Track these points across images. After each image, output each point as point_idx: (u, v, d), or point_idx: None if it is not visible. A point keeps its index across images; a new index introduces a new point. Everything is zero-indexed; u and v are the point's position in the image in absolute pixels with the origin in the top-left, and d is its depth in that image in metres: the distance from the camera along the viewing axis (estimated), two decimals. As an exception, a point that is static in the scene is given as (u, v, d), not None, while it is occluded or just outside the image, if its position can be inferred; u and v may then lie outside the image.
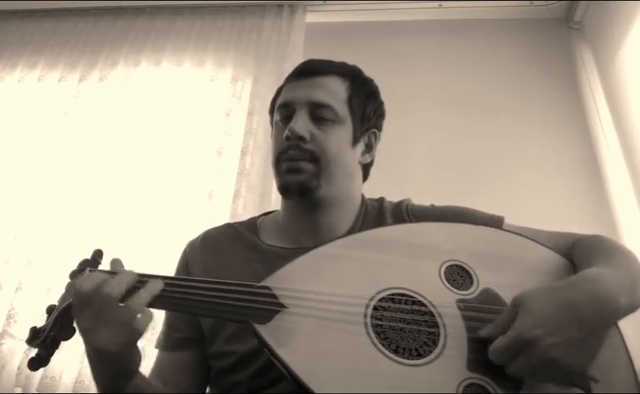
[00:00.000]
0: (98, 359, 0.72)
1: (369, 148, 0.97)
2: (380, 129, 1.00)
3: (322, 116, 0.90)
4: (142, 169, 1.96)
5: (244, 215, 1.69)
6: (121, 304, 0.68)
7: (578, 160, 1.91)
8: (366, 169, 1.00)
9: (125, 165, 1.97)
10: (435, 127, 2.00)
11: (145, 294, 0.69)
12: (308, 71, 0.95)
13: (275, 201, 1.80)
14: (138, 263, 1.81)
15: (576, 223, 1.71)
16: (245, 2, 2.31)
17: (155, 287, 0.70)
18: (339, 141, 0.90)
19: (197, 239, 0.99)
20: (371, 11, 2.29)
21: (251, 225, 1.00)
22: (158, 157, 1.98)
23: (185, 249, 0.98)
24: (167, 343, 0.91)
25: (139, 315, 0.68)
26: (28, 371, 1.62)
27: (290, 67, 2.06)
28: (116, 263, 0.77)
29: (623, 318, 0.65)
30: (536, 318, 0.60)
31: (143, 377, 0.77)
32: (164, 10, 2.38)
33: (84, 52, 2.29)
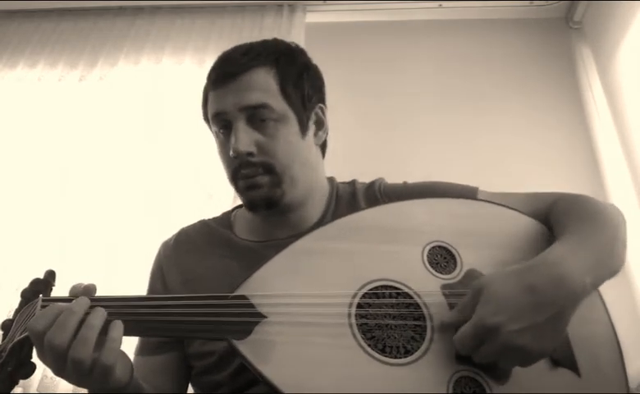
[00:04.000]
0: None
1: (320, 124, 0.91)
2: (323, 100, 0.92)
3: (261, 118, 0.82)
4: (142, 169, 1.95)
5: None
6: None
7: (577, 159, 1.91)
8: (322, 146, 0.94)
9: (126, 165, 1.97)
10: (435, 126, 2.00)
11: (90, 333, 0.60)
12: (230, 72, 0.84)
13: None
14: (138, 263, 1.81)
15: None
16: (245, 1, 2.30)
17: (99, 319, 0.61)
18: (288, 140, 0.83)
19: (170, 239, 0.96)
20: (371, 11, 2.28)
21: (225, 220, 0.97)
22: (158, 156, 1.98)
23: (159, 251, 0.95)
24: (145, 347, 0.87)
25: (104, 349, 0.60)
26: (28, 371, 1.62)
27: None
28: (76, 289, 0.69)
29: (589, 294, 0.64)
30: (497, 305, 0.59)
31: (136, 385, 0.73)
32: (164, 9, 2.37)
33: (84, 51, 2.29)
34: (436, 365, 0.62)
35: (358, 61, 2.03)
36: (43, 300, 0.70)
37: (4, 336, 0.71)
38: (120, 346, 0.62)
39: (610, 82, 1.91)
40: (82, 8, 2.43)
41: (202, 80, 2.26)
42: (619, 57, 1.83)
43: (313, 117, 0.89)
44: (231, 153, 0.81)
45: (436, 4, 2.22)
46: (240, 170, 0.83)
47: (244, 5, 2.31)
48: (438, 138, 1.97)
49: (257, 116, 0.82)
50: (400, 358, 0.63)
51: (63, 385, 1.60)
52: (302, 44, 2.09)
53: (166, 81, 2.16)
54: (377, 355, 0.62)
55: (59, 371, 0.62)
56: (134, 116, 2.08)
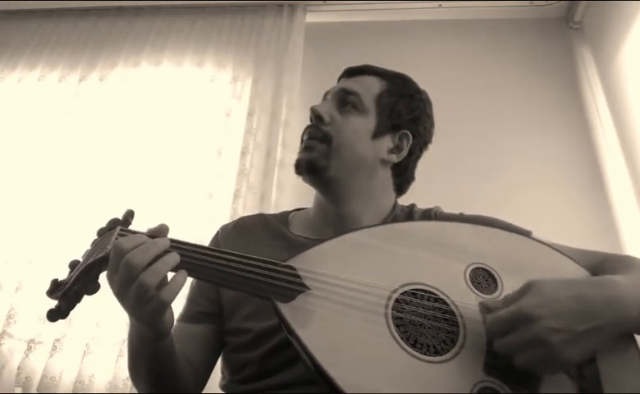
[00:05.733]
0: (130, 318, 0.74)
1: (398, 148, 0.96)
2: (415, 133, 0.98)
3: (347, 101, 0.94)
4: (142, 169, 1.96)
5: (243, 215, 1.69)
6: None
7: (577, 160, 1.91)
8: (399, 176, 0.98)
9: (125, 165, 1.97)
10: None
11: (163, 266, 0.68)
12: (354, 70, 1.01)
13: (275, 201, 1.81)
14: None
15: (575, 223, 1.72)
16: (245, 2, 2.31)
17: (173, 260, 0.70)
18: (356, 128, 0.92)
19: (229, 224, 1.03)
20: (371, 11, 2.29)
21: (283, 217, 1.03)
22: (158, 157, 1.98)
23: (218, 232, 1.02)
24: (185, 314, 0.94)
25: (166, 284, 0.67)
26: (28, 371, 1.62)
27: (289, 67, 2.08)
28: (152, 229, 0.75)
29: (634, 329, 0.64)
30: (542, 299, 0.60)
31: (171, 343, 0.78)
32: (164, 10, 2.38)
33: (84, 52, 2.29)
34: (462, 370, 0.63)
35: (357, 61, 2.03)
36: (120, 230, 0.78)
37: (70, 273, 0.77)
38: (179, 291, 0.69)
39: (611, 82, 1.91)
40: (82, 8, 2.44)
41: (201, 81, 2.27)
42: (620, 57, 1.83)
43: (396, 138, 0.96)
44: (309, 113, 0.95)
45: (436, 4, 2.22)
46: (307, 130, 0.95)
47: (244, 5, 2.32)
48: (436, 138, 1.97)
49: (346, 100, 0.94)
50: (430, 355, 0.64)
51: (63, 385, 1.60)
52: (302, 44, 2.13)
53: (166, 82, 2.16)
54: (406, 347, 0.65)
55: (121, 292, 0.68)
56: (134, 116, 2.08)
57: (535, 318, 0.59)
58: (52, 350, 1.62)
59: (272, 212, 1.42)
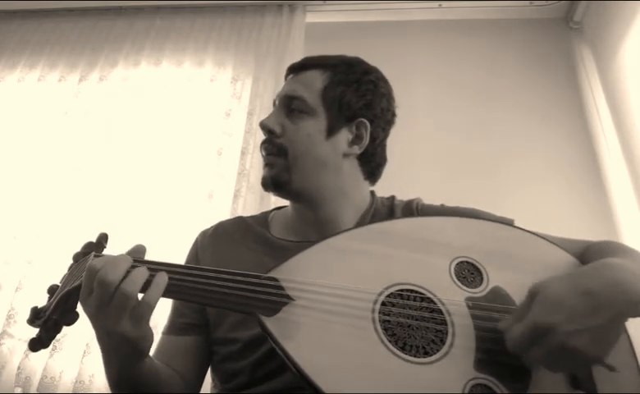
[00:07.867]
0: (107, 342, 0.72)
1: (359, 138, 0.92)
2: (371, 118, 0.93)
3: (293, 108, 0.91)
4: (142, 169, 1.96)
5: (243, 215, 1.69)
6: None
7: (577, 159, 1.91)
8: (367, 163, 0.95)
9: (125, 165, 1.97)
10: (434, 127, 2.00)
11: (140, 274, 0.68)
12: (295, 67, 0.97)
13: (275, 201, 1.81)
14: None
15: (575, 223, 1.72)
16: (245, 1, 2.31)
17: (143, 269, 0.69)
18: (308, 133, 0.89)
19: (209, 229, 1.01)
20: (371, 11, 2.28)
21: (262, 219, 1.01)
22: (158, 157, 1.98)
23: (197, 238, 1.00)
24: (170, 327, 0.92)
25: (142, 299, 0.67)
26: (28, 371, 1.62)
27: (290, 67, 2.08)
28: (135, 250, 0.76)
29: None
30: (552, 306, 0.59)
31: (152, 360, 0.77)
32: (164, 10, 2.38)
33: (84, 52, 2.29)
34: (453, 369, 0.63)
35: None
36: (95, 255, 0.77)
37: (49, 299, 0.77)
38: (162, 293, 0.68)
39: (611, 82, 1.91)
40: (82, 8, 2.44)
41: (201, 81, 2.26)
42: (620, 57, 1.83)
43: (352, 128, 0.92)
44: (259, 124, 0.92)
45: (435, 4, 2.22)
46: (263, 145, 0.93)
47: (244, 5, 2.32)
48: (436, 138, 1.97)
49: (292, 106, 0.91)
50: (419, 357, 0.64)
51: (63, 385, 1.60)
52: (302, 44, 2.13)
53: (166, 82, 2.16)
54: (395, 351, 0.64)
55: (100, 310, 0.67)
56: (135, 116, 2.08)
57: (551, 327, 0.57)
58: (52, 350, 1.62)
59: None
